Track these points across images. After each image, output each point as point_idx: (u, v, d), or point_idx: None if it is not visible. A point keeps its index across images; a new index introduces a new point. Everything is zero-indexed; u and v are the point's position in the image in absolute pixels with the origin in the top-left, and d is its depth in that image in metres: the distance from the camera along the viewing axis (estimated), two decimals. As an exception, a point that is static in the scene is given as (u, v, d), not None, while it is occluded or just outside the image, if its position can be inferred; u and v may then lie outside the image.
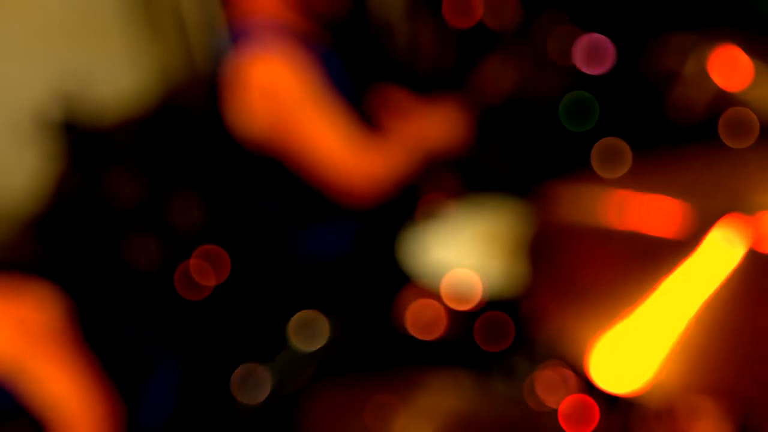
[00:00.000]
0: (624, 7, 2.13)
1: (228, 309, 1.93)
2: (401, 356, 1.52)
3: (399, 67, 2.34)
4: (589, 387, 1.29)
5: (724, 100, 1.76)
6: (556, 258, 1.11)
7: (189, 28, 2.48)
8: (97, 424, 1.42)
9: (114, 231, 2.17)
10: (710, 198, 1.10)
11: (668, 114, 1.88)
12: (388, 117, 1.87)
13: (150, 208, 2.24)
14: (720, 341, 0.93)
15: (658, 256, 1.03)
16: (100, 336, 1.57)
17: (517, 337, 1.51)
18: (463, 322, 1.56)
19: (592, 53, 2.04)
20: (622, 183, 1.22)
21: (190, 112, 2.44)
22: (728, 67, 1.76)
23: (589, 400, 1.27)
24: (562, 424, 1.27)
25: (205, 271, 1.98)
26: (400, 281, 1.63)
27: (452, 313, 1.56)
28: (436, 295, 1.57)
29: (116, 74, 2.49)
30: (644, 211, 1.12)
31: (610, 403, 1.25)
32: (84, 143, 2.31)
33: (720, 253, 1.01)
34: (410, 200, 1.86)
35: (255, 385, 1.59)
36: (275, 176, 1.76)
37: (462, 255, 1.63)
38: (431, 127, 1.82)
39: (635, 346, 0.93)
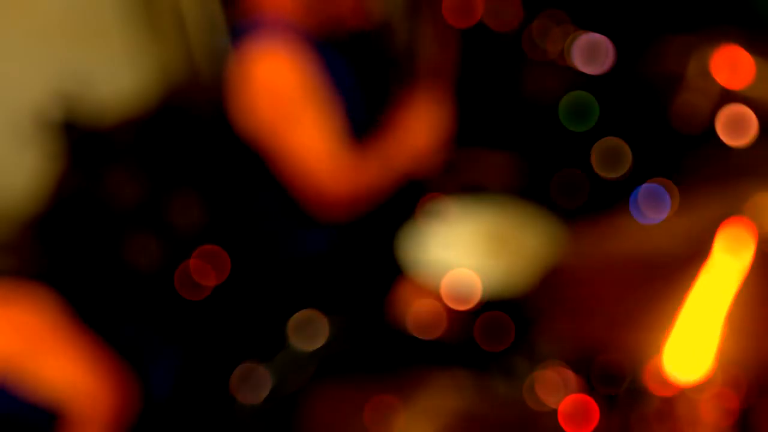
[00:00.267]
0: (624, 7, 2.13)
1: (228, 309, 1.93)
2: (401, 356, 1.52)
3: (399, 67, 2.34)
4: (589, 387, 1.29)
5: (726, 100, 1.76)
6: (570, 281, 1.14)
7: (189, 28, 2.48)
8: (113, 407, 1.42)
9: (114, 231, 2.17)
10: (711, 204, 1.11)
11: (669, 114, 1.88)
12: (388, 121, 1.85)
13: (150, 208, 2.24)
14: (737, 330, 1.00)
15: (669, 270, 1.05)
16: (100, 336, 1.57)
17: (517, 337, 1.51)
18: (463, 322, 1.56)
19: (592, 53, 2.04)
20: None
21: (190, 112, 2.44)
22: (730, 67, 1.76)
23: (589, 400, 1.27)
24: (562, 424, 1.27)
25: (205, 271, 1.98)
26: (400, 281, 1.63)
27: (452, 313, 1.56)
28: (436, 295, 1.57)
29: (116, 74, 2.49)
30: (651, 232, 1.13)
31: (610, 403, 1.25)
32: (84, 143, 2.31)
33: (730, 257, 1.02)
34: (410, 200, 1.86)
35: (255, 385, 1.58)
36: (275, 176, 1.76)
37: (462, 255, 1.63)
38: (411, 133, 1.76)
39: (690, 345, 1.01)
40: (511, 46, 2.15)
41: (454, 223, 1.73)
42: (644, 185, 1.75)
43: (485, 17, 2.14)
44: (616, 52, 2.05)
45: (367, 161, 1.73)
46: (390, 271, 1.67)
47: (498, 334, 1.52)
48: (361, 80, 1.86)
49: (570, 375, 1.33)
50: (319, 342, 1.61)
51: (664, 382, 1.02)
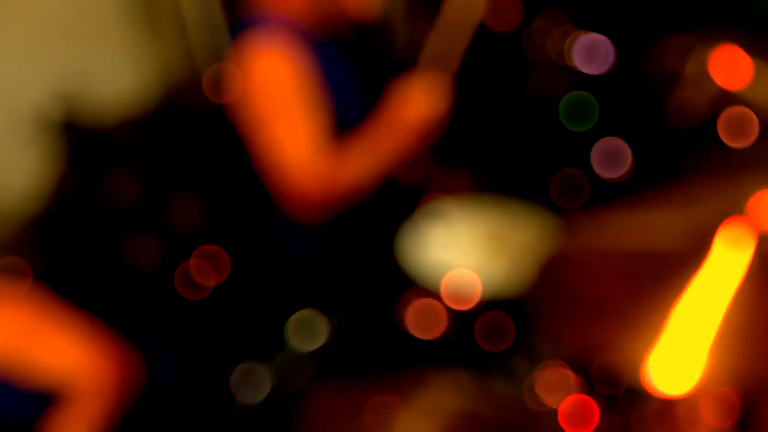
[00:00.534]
0: (624, 7, 2.13)
1: (228, 309, 1.93)
2: (401, 356, 1.52)
3: (399, 66, 2.34)
4: (589, 387, 1.29)
5: (724, 99, 1.77)
6: (569, 278, 1.13)
7: (189, 28, 2.48)
8: (116, 381, 1.43)
9: (114, 231, 2.17)
10: (711, 204, 1.11)
11: (669, 114, 1.88)
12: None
13: (150, 208, 2.24)
14: (735, 335, 0.98)
15: (668, 270, 1.05)
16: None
17: (517, 337, 1.51)
18: (463, 322, 1.56)
19: (592, 53, 2.04)
20: (627, 204, 1.24)
21: (190, 112, 2.44)
22: (729, 67, 1.76)
23: (589, 400, 1.27)
24: (562, 424, 1.27)
25: (205, 271, 1.98)
26: (400, 281, 1.63)
27: (452, 313, 1.56)
28: (436, 295, 1.57)
29: (116, 74, 2.49)
30: (650, 228, 1.13)
31: (610, 403, 1.25)
32: (84, 143, 2.31)
33: (728, 258, 1.01)
34: (410, 200, 1.86)
35: (255, 385, 1.58)
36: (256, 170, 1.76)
37: (462, 255, 1.63)
38: (406, 111, 1.70)
39: (680, 351, 0.99)
40: (511, 46, 2.15)
41: (454, 223, 1.73)
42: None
43: (485, 17, 2.14)
44: (616, 52, 2.05)
45: (347, 163, 1.70)
46: (390, 271, 1.67)
47: (498, 334, 1.52)
48: (361, 80, 1.86)
49: (570, 375, 1.33)
50: (319, 342, 1.61)
51: (653, 388, 1.01)
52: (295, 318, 1.67)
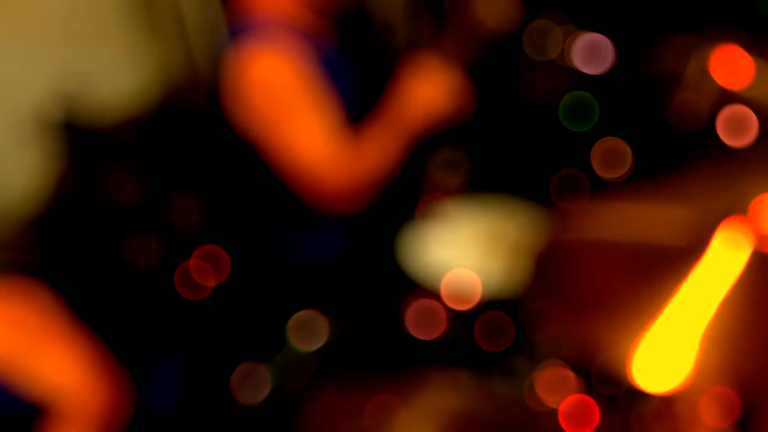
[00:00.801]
0: (624, 7, 2.12)
1: (228, 309, 1.93)
2: (401, 356, 1.52)
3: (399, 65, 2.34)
4: (589, 387, 1.29)
5: (725, 100, 1.76)
6: (566, 271, 1.13)
7: (189, 28, 2.48)
8: (106, 404, 1.43)
9: (114, 231, 2.17)
10: (711, 202, 1.11)
11: (669, 114, 1.88)
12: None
13: (150, 208, 2.24)
14: (730, 335, 0.98)
15: (665, 264, 1.04)
16: (100, 336, 1.57)
17: (517, 337, 1.51)
18: (463, 322, 1.56)
19: (592, 53, 2.04)
20: (625, 195, 1.23)
21: (190, 112, 2.44)
22: (730, 67, 1.76)
23: (589, 400, 1.27)
24: (562, 424, 1.27)
25: (205, 271, 1.98)
26: (400, 281, 1.63)
27: (452, 313, 1.56)
28: (436, 295, 1.57)
29: (116, 74, 2.49)
30: (648, 221, 1.13)
31: (610, 403, 1.25)
32: (84, 143, 2.31)
33: (726, 257, 1.01)
34: (410, 200, 1.86)
35: (255, 385, 1.58)
36: (274, 175, 1.76)
37: (462, 255, 1.63)
38: (420, 95, 1.69)
39: (668, 348, 0.98)
40: (511, 46, 2.15)
41: (454, 223, 1.73)
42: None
43: (485, 17, 2.14)
44: (616, 52, 2.05)
45: (365, 147, 1.70)
46: (390, 271, 1.67)
47: (498, 334, 1.52)
48: (362, 79, 1.86)
49: (570, 375, 1.33)
50: (319, 342, 1.61)
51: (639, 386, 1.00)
52: (295, 318, 1.67)
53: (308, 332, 1.64)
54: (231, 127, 1.75)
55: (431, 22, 2.30)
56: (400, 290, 1.62)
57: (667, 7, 2.05)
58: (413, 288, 1.60)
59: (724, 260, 1.01)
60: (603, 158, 2.00)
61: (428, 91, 1.69)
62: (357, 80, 1.84)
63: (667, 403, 1.14)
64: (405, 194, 1.88)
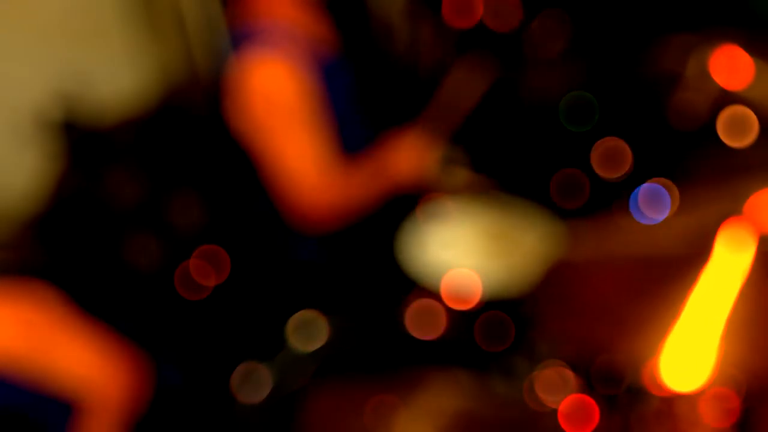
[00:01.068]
0: (624, 7, 2.13)
1: (228, 309, 1.93)
2: (401, 356, 1.52)
3: (399, 67, 2.34)
4: (589, 387, 1.29)
5: (725, 100, 1.77)
6: (572, 288, 1.14)
7: (189, 28, 2.48)
8: (127, 394, 1.43)
9: (114, 231, 2.17)
10: (711, 204, 1.11)
11: (669, 114, 1.88)
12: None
13: (150, 208, 2.24)
14: (730, 335, 0.99)
15: (671, 273, 1.05)
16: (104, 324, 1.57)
17: (517, 337, 1.51)
18: (463, 322, 1.56)
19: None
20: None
21: (190, 112, 2.44)
22: (729, 67, 1.76)
23: (589, 400, 1.27)
24: (562, 424, 1.27)
25: (205, 271, 1.98)
26: (400, 281, 1.63)
27: (452, 313, 1.56)
28: (436, 295, 1.57)
29: (116, 74, 2.49)
30: (651, 231, 1.13)
31: (610, 403, 1.25)
32: (84, 143, 2.31)
33: (730, 259, 1.02)
34: (410, 200, 1.86)
35: (255, 385, 1.58)
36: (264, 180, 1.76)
37: (462, 255, 1.63)
38: (403, 158, 1.80)
39: (689, 349, 1.00)
40: (511, 46, 2.15)
41: (454, 223, 1.73)
42: (645, 185, 1.74)
43: (485, 17, 2.14)
44: (616, 51, 2.05)
45: (353, 178, 1.74)
46: (390, 271, 1.67)
47: (498, 334, 1.52)
48: (362, 89, 1.87)
49: (570, 375, 1.33)
50: (319, 342, 1.61)
51: (662, 386, 1.01)
52: (295, 318, 1.67)
53: (308, 332, 1.64)
54: (229, 130, 1.75)
55: (431, 22, 2.31)
56: (400, 290, 1.62)
57: (667, 7, 2.05)
58: (413, 288, 1.60)
59: (728, 262, 1.01)
60: (603, 158, 2.00)
61: (412, 160, 1.80)
62: (356, 84, 1.84)
63: (667, 403, 1.14)
64: (405, 194, 1.88)
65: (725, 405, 1.10)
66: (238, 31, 1.74)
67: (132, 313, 1.95)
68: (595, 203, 1.93)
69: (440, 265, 1.59)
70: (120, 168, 2.28)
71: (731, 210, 1.05)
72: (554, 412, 1.28)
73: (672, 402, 1.13)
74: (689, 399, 1.11)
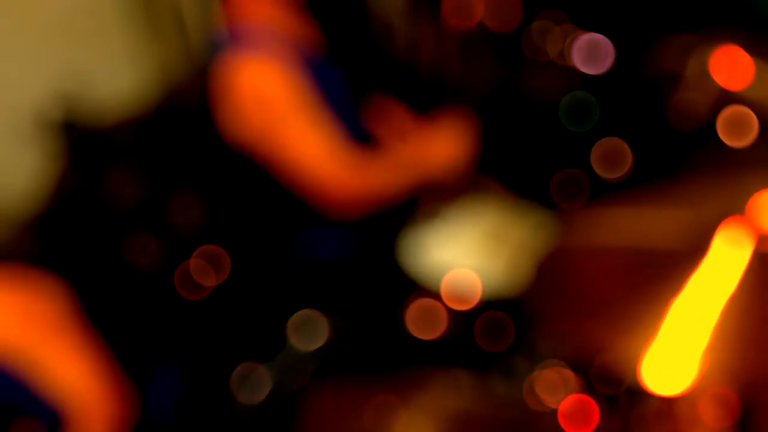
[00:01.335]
0: (624, 7, 2.13)
1: (228, 309, 1.93)
2: (401, 356, 1.52)
3: (399, 68, 2.34)
4: (589, 387, 1.29)
5: (725, 100, 1.77)
6: (567, 278, 1.13)
7: (189, 28, 2.48)
8: (112, 409, 1.42)
9: (114, 231, 2.17)
10: (711, 203, 1.11)
11: (669, 114, 1.88)
12: (385, 132, 1.85)
13: (150, 208, 2.24)
14: (730, 335, 0.98)
15: (667, 268, 1.05)
16: (100, 336, 1.57)
17: (517, 337, 1.51)
18: (463, 322, 1.56)
19: (592, 53, 2.04)
20: (625, 200, 1.24)
21: (190, 112, 2.43)
22: (729, 67, 1.76)
23: (589, 400, 1.27)
24: (562, 424, 1.27)
25: (205, 271, 1.98)
26: (400, 281, 1.63)
27: (452, 313, 1.56)
28: (436, 295, 1.57)
29: (116, 74, 2.49)
30: (649, 225, 1.13)
31: (610, 403, 1.25)
32: (84, 143, 2.31)
33: (727, 257, 1.01)
34: (410, 201, 1.86)
35: (255, 385, 1.58)
36: (275, 179, 1.76)
37: (462, 255, 1.63)
38: (431, 148, 1.79)
39: (676, 351, 0.99)
40: (511, 46, 2.15)
41: (454, 223, 1.73)
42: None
43: (485, 17, 2.14)
44: (616, 52, 2.05)
45: (373, 163, 1.73)
46: (390, 271, 1.67)
47: (498, 334, 1.52)
48: (360, 86, 1.87)
49: (570, 375, 1.33)
50: (319, 342, 1.61)
51: (647, 390, 1.00)
52: (295, 318, 1.67)
53: (308, 332, 1.64)
54: (221, 130, 1.75)
55: (431, 23, 2.31)
56: (400, 290, 1.62)
57: (667, 7, 2.05)
58: (414, 288, 1.60)
59: (725, 261, 1.01)
60: (603, 158, 2.00)
61: (447, 149, 1.78)
62: (350, 83, 1.84)
63: (667, 403, 1.14)
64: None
65: (725, 405, 1.10)
66: (228, 32, 1.74)
67: (132, 313, 1.95)
68: (595, 203, 1.93)
69: (441, 265, 1.59)
70: (120, 168, 2.28)
71: (730, 209, 1.05)
72: (554, 412, 1.28)
73: (672, 402, 1.13)
74: (689, 399, 1.11)
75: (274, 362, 1.60)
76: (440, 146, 1.79)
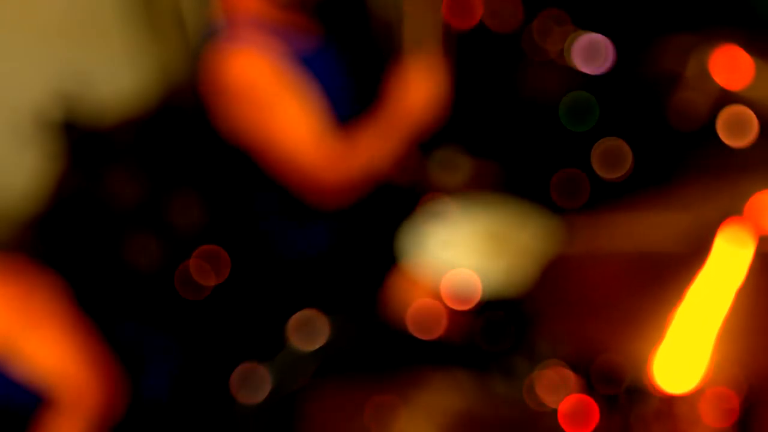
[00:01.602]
0: (624, 7, 2.12)
1: (228, 309, 1.93)
2: (401, 356, 1.52)
3: (390, 55, 2.34)
4: (589, 387, 1.29)
5: (725, 100, 1.77)
6: (570, 284, 1.13)
7: (189, 28, 2.48)
8: (100, 394, 1.42)
9: (114, 231, 2.17)
10: (711, 204, 1.11)
11: (669, 114, 1.88)
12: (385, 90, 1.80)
13: (150, 208, 2.24)
14: (730, 335, 0.99)
15: (670, 271, 1.05)
16: (99, 334, 1.57)
17: (517, 337, 1.50)
18: (462, 321, 1.56)
19: (592, 53, 2.04)
20: (626, 205, 1.24)
21: (190, 112, 2.43)
22: (729, 67, 1.76)
23: (589, 400, 1.27)
24: (562, 424, 1.27)
25: (205, 271, 1.98)
26: (398, 279, 1.63)
27: (452, 313, 1.56)
28: (436, 295, 1.57)
29: (116, 74, 2.49)
30: (650, 229, 1.13)
31: (610, 403, 1.25)
32: (84, 143, 2.31)
33: (729, 258, 1.02)
34: (410, 200, 1.86)
35: (255, 385, 1.58)
36: (267, 173, 1.76)
37: (462, 255, 1.63)
38: (407, 93, 1.70)
39: (682, 350, 1.00)
40: (511, 46, 2.15)
41: (454, 223, 1.73)
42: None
43: (485, 17, 2.14)
44: (616, 52, 2.05)
45: (356, 143, 1.71)
46: (390, 271, 1.67)
47: (498, 334, 1.52)
48: (356, 74, 1.86)
49: (570, 375, 1.33)
50: (319, 342, 1.61)
51: (657, 388, 1.01)
52: (295, 318, 1.67)
53: (308, 332, 1.64)
54: (214, 124, 1.75)
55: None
56: (401, 290, 1.62)
57: (667, 7, 2.05)
58: (414, 287, 1.60)
59: (727, 262, 1.01)
60: (603, 158, 2.00)
61: (419, 92, 1.70)
62: (349, 74, 1.84)
63: (667, 403, 1.14)
64: (405, 194, 1.88)
65: (725, 405, 1.10)
66: (213, 26, 1.74)
67: (132, 313, 1.95)
68: (595, 203, 1.93)
69: (440, 265, 1.59)
70: (120, 168, 2.28)
71: (731, 209, 1.05)
72: (554, 412, 1.28)
73: (672, 402, 1.13)
74: (689, 399, 1.11)
75: (274, 362, 1.60)
76: (415, 89, 1.71)
